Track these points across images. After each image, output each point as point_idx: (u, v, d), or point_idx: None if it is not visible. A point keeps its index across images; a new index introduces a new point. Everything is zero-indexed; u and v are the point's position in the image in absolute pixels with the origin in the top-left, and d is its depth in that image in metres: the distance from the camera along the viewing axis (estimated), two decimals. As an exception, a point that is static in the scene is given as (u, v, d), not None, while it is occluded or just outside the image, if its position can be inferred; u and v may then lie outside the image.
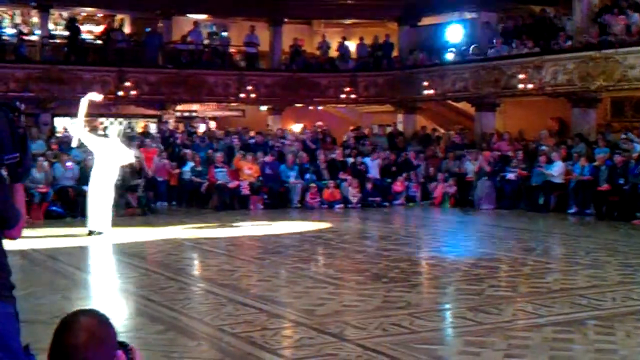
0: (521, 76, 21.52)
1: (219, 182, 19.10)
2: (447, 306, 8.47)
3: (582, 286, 9.12)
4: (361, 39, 27.77)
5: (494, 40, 23.63)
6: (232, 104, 26.95)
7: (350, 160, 21.15)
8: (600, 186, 16.96)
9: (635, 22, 20.06)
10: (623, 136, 19.08)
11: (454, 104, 26.49)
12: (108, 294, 9.16)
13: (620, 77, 19.60)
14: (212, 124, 28.01)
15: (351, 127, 25.74)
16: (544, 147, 19.49)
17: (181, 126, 24.98)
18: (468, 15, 26.81)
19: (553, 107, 22.64)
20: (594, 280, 9.51)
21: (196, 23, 26.43)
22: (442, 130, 25.72)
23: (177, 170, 19.89)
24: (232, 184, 19.11)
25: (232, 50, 27.20)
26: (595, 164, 17.57)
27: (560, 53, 21.25)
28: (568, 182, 17.91)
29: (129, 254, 11.93)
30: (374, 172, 20.68)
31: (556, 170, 18.12)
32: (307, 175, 19.92)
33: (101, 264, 11.97)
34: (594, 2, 21.90)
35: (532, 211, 17.97)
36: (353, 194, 19.60)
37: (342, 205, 19.35)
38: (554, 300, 8.32)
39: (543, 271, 10.31)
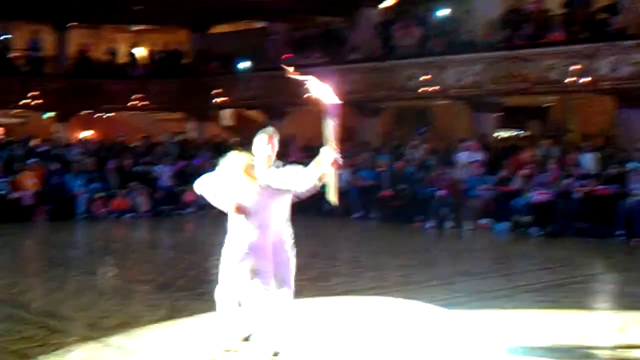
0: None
1: (-2, 192, 18.14)
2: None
3: (365, 287, 9.50)
4: (152, 45, 27.38)
5: (283, 50, 24.07)
6: (13, 111, 25.69)
7: (140, 168, 20.73)
8: (383, 191, 17.73)
9: (416, 35, 21.14)
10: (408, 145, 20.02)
11: (247, 111, 26.76)
12: None
13: (401, 87, 20.57)
14: None
15: (141, 135, 25.28)
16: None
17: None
18: (258, 25, 27.16)
19: (340, 116, 23.34)
20: (375, 282, 9.94)
21: (-26, 24, 24.99)
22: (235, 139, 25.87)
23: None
24: (13, 195, 18.17)
25: (14, 54, 25.92)
26: (379, 169, 18.32)
27: (346, 64, 22.00)
28: (353, 187, 18.54)
29: None
30: (166, 180, 20.38)
31: (346, 176, 18.67)
32: (94, 184, 19.27)
33: None
34: (377, 14, 22.88)
35: (319, 216, 18.41)
36: (143, 203, 19.25)
37: (131, 215, 18.94)
38: (337, 302, 8.59)
39: (328, 274, 10.61)
